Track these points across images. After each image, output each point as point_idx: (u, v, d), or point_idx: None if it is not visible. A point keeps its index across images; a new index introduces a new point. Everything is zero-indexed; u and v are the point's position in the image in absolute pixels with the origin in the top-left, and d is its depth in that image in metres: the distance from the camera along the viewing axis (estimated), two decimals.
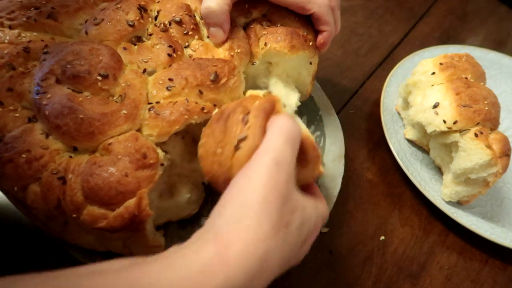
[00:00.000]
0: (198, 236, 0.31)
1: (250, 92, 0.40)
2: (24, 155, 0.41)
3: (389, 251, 0.58)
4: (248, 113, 0.37)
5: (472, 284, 0.57)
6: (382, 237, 0.59)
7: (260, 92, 0.40)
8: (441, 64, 0.62)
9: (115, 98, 0.45)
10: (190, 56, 0.51)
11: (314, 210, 0.36)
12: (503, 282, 0.57)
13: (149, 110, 0.44)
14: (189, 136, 0.51)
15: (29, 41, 0.48)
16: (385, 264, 0.57)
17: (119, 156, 0.41)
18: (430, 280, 0.56)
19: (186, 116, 0.44)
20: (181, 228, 0.53)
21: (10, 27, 0.48)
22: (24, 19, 0.49)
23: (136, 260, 0.29)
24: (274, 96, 0.39)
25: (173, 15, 0.51)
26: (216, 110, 0.40)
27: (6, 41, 0.47)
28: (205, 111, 0.46)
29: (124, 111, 0.43)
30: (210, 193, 0.56)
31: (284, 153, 0.32)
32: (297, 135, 0.35)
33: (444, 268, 0.58)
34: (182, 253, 0.30)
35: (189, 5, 0.54)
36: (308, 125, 0.64)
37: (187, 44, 0.51)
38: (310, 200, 0.36)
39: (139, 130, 0.44)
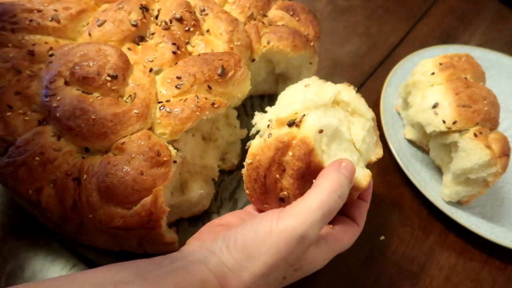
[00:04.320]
0: (200, 261, 0.35)
1: (277, 116, 0.39)
2: (37, 158, 0.42)
3: (389, 251, 0.58)
4: (284, 170, 0.39)
5: (472, 284, 0.57)
6: (382, 237, 0.59)
7: (287, 113, 0.39)
8: (440, 64, 0.62)
9: (125, 98, 0.45)
10: (190, 52, 0.51)
11: (320, 261, 0.39)
12: (503, 282, 0.57)
13: (160, 109, 0.45)
14: (199, 133, 0.51)
15: (33, 44, 0.48)
16: (385, 264, 0.57)
17: (133, 155, 0.42)
18: (430, 280, 0.56)
19: (197, 113, 0.45)
20: (192, 225, 0.53)
21: (13, 31, 0.49)
22: (27, 22, 0.49)
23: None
24: (308, 140, 0.37)
25: (174, 12, 0.52)
26: (248, 161, 0.41)
27: (10, 44, 0.48)
28: (215, 106, 0.46)
29: (135, 111, 0.43)
30: (220, 190, 0.57)
31: (314, 229, 0.34)
32: (337, 207, 0.36)
33: (444, 268, 0.58)
34: (182, 277, 0.34)
35: (189, 2, 0.54)
36: None
37: (187, 40, 0.51)
38: (322, 251, 0.39)
39: (150, 129, 0.45)
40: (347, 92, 0.43)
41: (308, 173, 0.38)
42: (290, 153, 0.38)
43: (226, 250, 0.35)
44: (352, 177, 0.37)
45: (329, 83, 0.43)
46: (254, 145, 0.40)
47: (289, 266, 0.36)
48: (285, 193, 0.40)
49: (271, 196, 0.41)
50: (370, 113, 0.44)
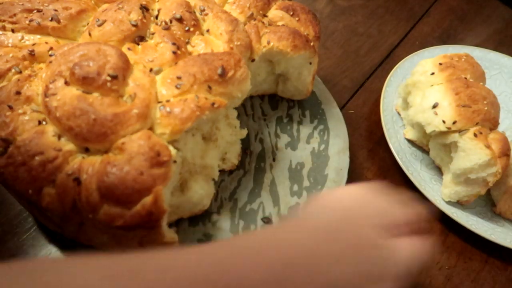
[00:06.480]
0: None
1: None
2: (37, 158, 0.42)
3: None
4: None
5: (472, 284, 0.57)
6: None
7: None
8: (440, 64, 0.62)
9: (124, 98, 0.45)
10: (190, 52, 0.51)
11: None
12: (503, 282, 0.57)
13: (160, 109, 0.45)
14: (199, 133, 0.51)
15: (33, 44, 0.48)
16: None
17: (133, 155, 0.41)
18: (430, 280, 0.56)
19: (197, 113, 0.44)
20: (192, 225, 0.53)
21: (13, 31, 0.49)
22: (27, 22, 0.49)
23: None
24: None
25: (174, 12, 0.52)
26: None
27: (9, 44, 0.48)
28: (215, 106, 0.46)
29: (135, 111, 0.43)
30: (220, 190, 0.57)
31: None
32: None
33: (444, 268, 0.58)
34: None
35: (189, 2, 0.54)
36: (311, 119, 0.65)
37: (187, 40, 0.52)
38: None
39: (150, 129, 0.44)
40: None
41: None
42: None
43: None
44: None
45: None
46: None
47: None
48: None
49: None
50: None
